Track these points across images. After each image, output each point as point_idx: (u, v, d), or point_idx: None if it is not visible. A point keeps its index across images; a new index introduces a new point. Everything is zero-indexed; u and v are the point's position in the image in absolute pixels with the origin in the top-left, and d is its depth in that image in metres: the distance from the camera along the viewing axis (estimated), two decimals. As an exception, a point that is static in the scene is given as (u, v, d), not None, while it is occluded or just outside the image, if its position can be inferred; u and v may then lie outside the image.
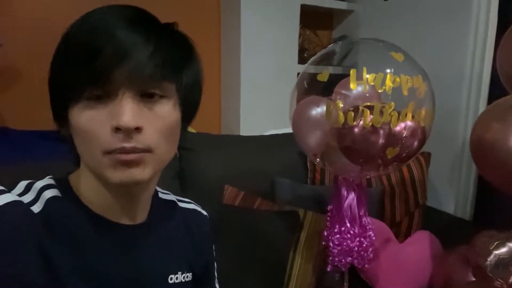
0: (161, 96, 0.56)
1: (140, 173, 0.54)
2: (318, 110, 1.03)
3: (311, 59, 1.14)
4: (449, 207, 1.65)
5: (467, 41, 1.55)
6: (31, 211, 0.56)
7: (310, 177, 1.54)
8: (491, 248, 0.96)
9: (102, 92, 0.53)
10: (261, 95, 1.91)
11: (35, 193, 0.59)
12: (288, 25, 1.96)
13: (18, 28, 1.54)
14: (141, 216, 0.65)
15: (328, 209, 1.17)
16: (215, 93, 1.98)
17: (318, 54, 1.15)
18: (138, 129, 0.52)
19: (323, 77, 1.00)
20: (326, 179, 1.52)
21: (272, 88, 1.93)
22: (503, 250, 0.96)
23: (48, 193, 0.59)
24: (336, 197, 1.13)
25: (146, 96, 0.54)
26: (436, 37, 1.66)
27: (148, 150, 0.54)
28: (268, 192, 1.45)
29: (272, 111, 1.92)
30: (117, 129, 0.51)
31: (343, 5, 2.14)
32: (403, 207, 1.51)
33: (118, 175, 0.54)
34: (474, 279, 1.10)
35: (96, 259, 0.58)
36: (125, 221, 0.63)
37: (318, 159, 1.10)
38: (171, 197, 0.76)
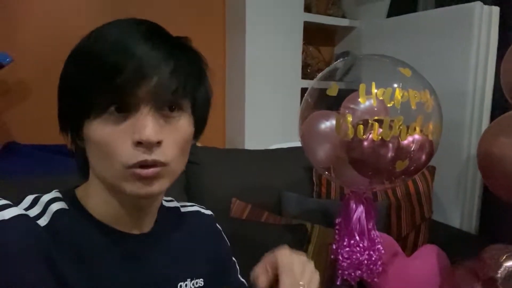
0: (179, 111, 0.57)
1: (158, 187, 0.56)
2: (327, 124, 1.04)
3: (318, 75, 1.16)
4: (455, 221, 1.66)
5: (469, 56, 1.57)
6: (38, 224, 0.56)
7: (316, 190, 1.55)
8: (501, 261, 0.96)
9: (123, 107, 0.54)
10: (266, 110, 1.93)
11: (42, 206, 0.58)
12: (292, 42, 1.99)
13: (29, 43, 1.57)
14: (148, 225, 0.66)
15: (336, 222, 1.17)
16: (220, 108, 1.99)
17: (325, 70, 1.17)
18: (159, 143, 0.54)
19: (333, 91, 1.01)
20: (332, 192, 1.53)
21: (277, 103, 1.95)
22: (513, 262, 0.96)
23: (55, 206, 0.59)
24: (345, 210, 1.14)
25: (165, 111, 0.56)
26: (438, 53, 1.68)
27: (166, 164, 0.55)
28: (275, 206, 1.46)
29: (276, 126, 1.94)
30: (139, 143, 0.53)
31: (345, 22, 2.18)
32: (409, 221, 1.51)
33: (136, 189, 0.55)
34: (483, 292, 1.10)
35: (104, 269, 0.58)
36: (132, 231, 0.63)
37: (327, 172, 1.11)
38: (174, 203, 0.77)
